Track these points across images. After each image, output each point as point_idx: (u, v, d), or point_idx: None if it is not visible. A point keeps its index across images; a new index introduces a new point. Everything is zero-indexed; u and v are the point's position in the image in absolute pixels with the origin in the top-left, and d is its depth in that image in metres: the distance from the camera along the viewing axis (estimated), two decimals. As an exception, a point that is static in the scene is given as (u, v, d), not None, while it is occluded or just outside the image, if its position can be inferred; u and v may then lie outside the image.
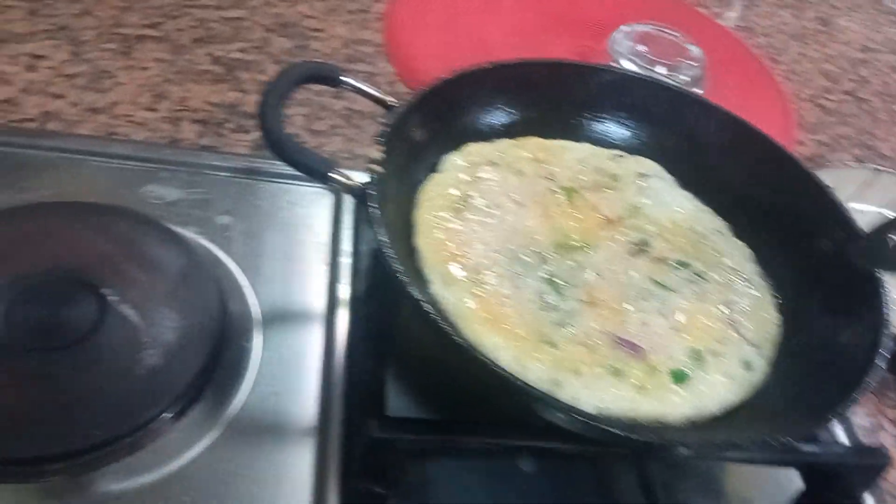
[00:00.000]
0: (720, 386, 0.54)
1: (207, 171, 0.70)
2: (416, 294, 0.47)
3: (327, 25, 0.96)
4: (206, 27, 0.89)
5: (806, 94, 1.12)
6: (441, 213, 0.58)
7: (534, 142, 0.69)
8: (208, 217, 0.66)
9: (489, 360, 0.47)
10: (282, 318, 0.61)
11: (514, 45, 1.04)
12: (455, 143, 0.64)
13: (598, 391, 0.51)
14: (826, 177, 0.93)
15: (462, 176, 0.62)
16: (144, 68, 0.81)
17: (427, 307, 0.47)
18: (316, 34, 0.94)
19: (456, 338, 0.46)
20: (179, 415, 0.53)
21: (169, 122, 0.76)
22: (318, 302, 0.63)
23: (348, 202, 0.71)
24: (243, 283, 0.62)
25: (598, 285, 0.58)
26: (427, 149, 0.62)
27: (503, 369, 0.47)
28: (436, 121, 0.63)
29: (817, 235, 0.63)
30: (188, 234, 0.64)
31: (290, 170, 0.57)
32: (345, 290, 0.64)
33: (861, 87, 1.17)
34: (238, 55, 0.87)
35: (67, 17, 0.85)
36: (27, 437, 0.49)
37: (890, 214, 0.88)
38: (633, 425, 0.50)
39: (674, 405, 0.52)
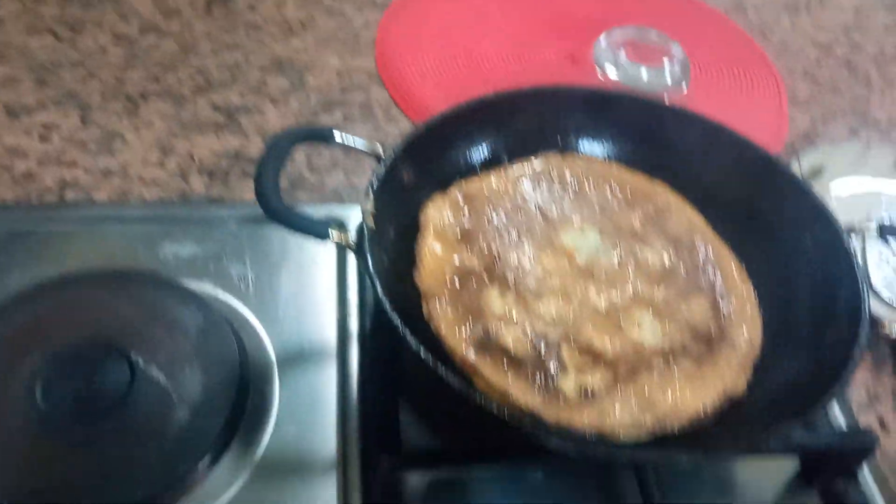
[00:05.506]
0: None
1: (218, 224, 0.74)
2: (410, 339, 0.51)
3: (320, 58, 1.00)
4: (204, 75, 0.93)
5: (799, 67, 1.14)
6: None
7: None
8: (223, 268, 0.71)
9: (483, 399, 0.51)
10: (296, 358, 0.66)
11: (506, 55, 1.07)
12: (444, 182, 0.68)
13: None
14: (818, 153, 0.96)
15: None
16: (151, 125, 0.86)
17: (421, 352, 0.51)
18: (310, 68, 0.98)
19: (449, 380, 0.50)
20: (212, 464, 0.57)
21: (179, 177, 0.81)
22: (330, 338, 0.67)
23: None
24: (259, 329, 0.66)
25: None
26: (420, 189, 0.66)
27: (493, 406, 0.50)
28: (424, 163, 0.66)
29: (799, 231, 0.66)
30: (205, 287, 0.69)
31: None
32: (355, 324, 0.68)
33: (854, 53, 1.18)
34: (237, 100, 0.91)
35: (73, 82, 0.90)
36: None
37: (884, 185, 0.91)
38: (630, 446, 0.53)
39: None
